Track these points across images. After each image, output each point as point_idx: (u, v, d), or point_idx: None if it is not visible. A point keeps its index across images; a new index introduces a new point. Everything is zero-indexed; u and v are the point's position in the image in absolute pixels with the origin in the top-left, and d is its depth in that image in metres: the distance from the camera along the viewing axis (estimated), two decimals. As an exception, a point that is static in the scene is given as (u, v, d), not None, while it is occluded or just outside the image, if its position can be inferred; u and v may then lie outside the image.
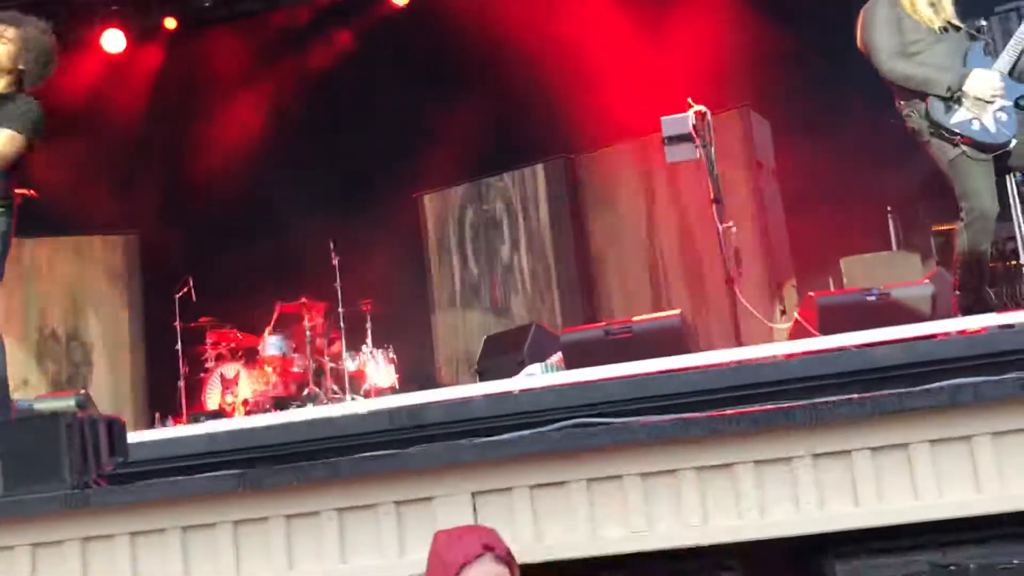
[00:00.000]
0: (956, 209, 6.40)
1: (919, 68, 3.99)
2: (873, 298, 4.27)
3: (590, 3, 9.83)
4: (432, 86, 9.66)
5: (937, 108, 3.92)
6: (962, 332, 3.37)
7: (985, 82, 3.88)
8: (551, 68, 9.55)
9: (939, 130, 3.92)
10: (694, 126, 5.44)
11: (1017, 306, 7.10)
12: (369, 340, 8.57)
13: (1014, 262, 7.83)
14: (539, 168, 9.23)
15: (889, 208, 9.82)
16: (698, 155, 5.44)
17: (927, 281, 4.73)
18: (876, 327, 3.49)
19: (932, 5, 4.12)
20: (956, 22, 4.15)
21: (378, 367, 8.40)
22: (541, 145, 9.32)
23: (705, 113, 5.52)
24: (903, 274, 7.03)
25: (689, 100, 5.56)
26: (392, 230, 9.39)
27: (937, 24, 4.08)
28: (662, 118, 5.60)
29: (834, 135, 8.56)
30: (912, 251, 9.14)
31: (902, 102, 4.11)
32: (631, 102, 8.43)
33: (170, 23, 10.23)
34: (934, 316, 4.35)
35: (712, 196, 5.39)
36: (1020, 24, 5.36)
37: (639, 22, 9.49)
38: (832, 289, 6.62)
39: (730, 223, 5.25)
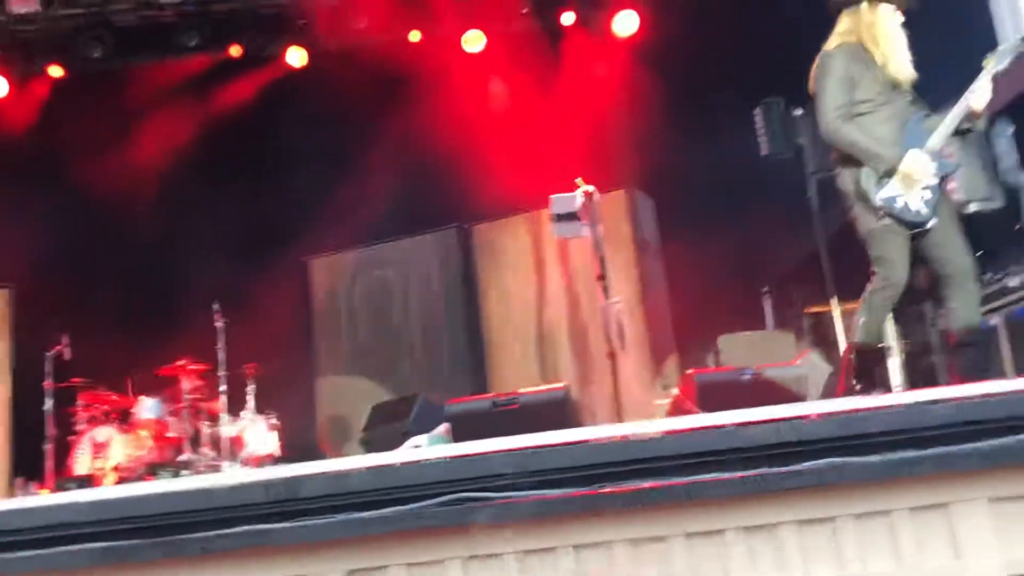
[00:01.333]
0: (826, 293, 6.73)
1: (864, 138, 4.03)
2: (748, 377, 4.42)
3: (489, 78, 10.07)
4: (328, 149, 9.66)
5: (869, 179, 4.01)
6: (832, 413, 3.50)
7: (919, 165, 4.01)
8: (448, 138, 9.68)
9: (866, 199, 4.03)
10: (582, 205, 5.58)
11: (886, 389, 7.46)
12: (250, 405, 8.35)
13: (880, 344, 8.23)
14: (432, 236, 9.28)
15: (765, 289, 10.25)
16: (585, 233, 5.57)
17: (799, 362, 4.92)
18: (751, 405, 3.60)
19: (900, 64, 4.22)
20: (907, 85, 4.26)
21: (258, 434, 8.18)
22: (435, 214, 9.40)
23: (593, 192, 5.67)
24: (777, 353, 7.31)
25: (578, 180, 5.71)
26: (281, 293, 9.24)
27: (897, 84, 4.18)
28: (551, 196, 5.74)
29: (715, 217, 8.92)
30: (786, 331, 9.52)
31: (838, 160, 4.19)
32: (524, 176, 8.61)
33: (55, 71, 9.99)
34: (805, 396, 4.52)
35: (598, 272, 5.51)
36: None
37: (534, 99, 9.76)
38: (711, 366, 6.82)
39: (616, 299, 5.37)
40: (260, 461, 7.97)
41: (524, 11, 10.26)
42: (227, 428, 8.08)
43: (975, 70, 4.44)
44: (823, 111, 4.11)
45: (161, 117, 9.90)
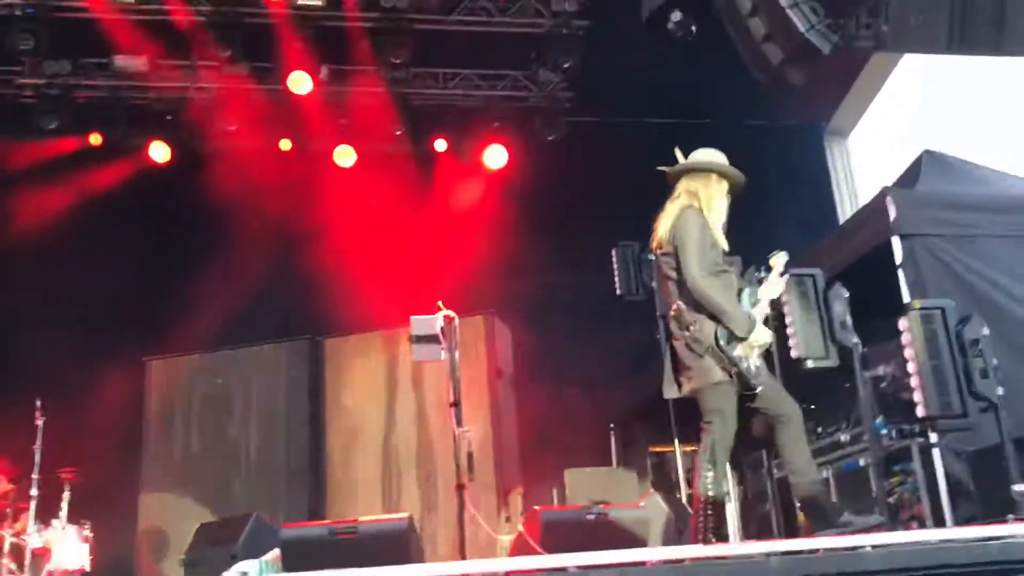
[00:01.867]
0: (669, 433, 6.88)
1: (724, 300, 4.21)
2: (592, 517, 4.41)
3: (357, 194, 10.11)
4: (181, 248, 9.37)
5: (723, 336, 4.16)
6: (671, 561, 3.52)
7: (764, 337, 4.24)
8: (309, 249, 9.60)
9: (720, 354, 4.14)
10: (441, 328, 5.57)
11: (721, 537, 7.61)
12: (63, 514, 7.70)
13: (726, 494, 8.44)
14: (282, 347, 9.00)
15: (611, 426, 10.42)
16: (443, 356, 5.54)
17: (643, 504, 4.97)
18: (594, 546, 3.59)
19: (723, 238, 4.44)
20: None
21: (68, 545, 7.53)
22: (287, 324, 9.17)
23: (453, 317, 5.68)
24: (622, 490, 7.37)
25: (439, 303, 5.71)
26: (113, 394, 8.73)
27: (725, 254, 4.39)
28: (412, 317, 5.70)
29: (569, 350, 9.09)
30: (630, 468, 9.65)
31: (694, 312, 4.26)
32: (383, 294, 8.57)
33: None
34: (646, 539, 4.55)
35: (452, 398, 5.46)
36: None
37: (401, 219, 9.85)
38: (556, 502, 6.80)
39: (466, 428, 5.31)
40: (66, 575, 7.32)
41: (398, 133, 10.44)
42: (34, 538, 7.40)
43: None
44: (689, 264, 4.26)
45: (13, 196, 9.45)
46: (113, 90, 9.92)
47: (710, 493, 4.05)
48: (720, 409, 4.22)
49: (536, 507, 4.76)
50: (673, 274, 4.39)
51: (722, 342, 4.17)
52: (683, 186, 4.59)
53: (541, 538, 4.39)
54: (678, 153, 4.68)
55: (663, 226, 4.53)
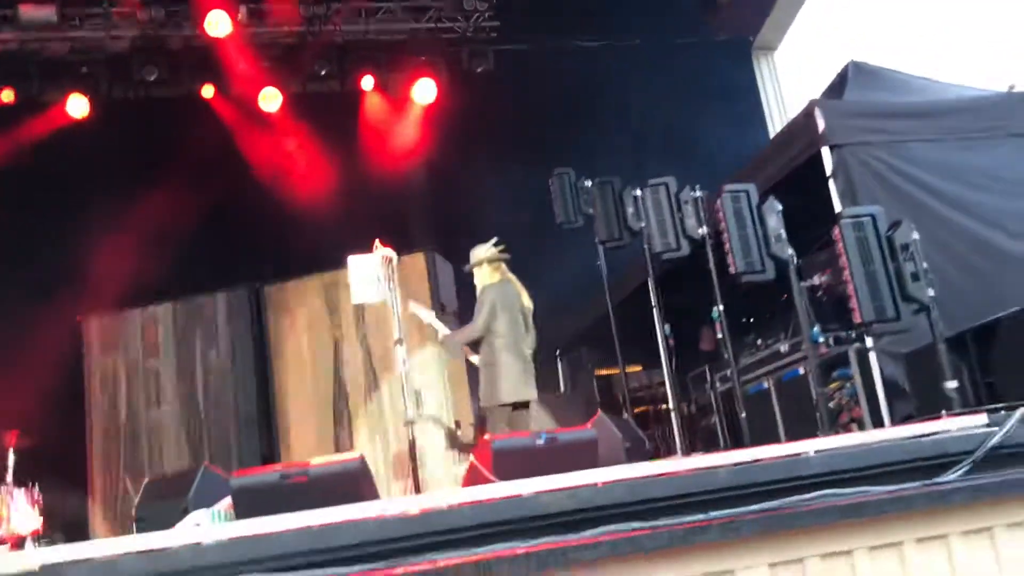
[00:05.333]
0: (614, 357, 6.98)
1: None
2: (542, 442, 4.46)
3: (285, 137, 9.90)
4: (110, 203, 9.10)
5: None
6: (622, 480, 3.58)
7: None
8: (241, 197, 9.40)
9: None
10: (381, 267, 5.52)
11: (669, 451, 7.79)
12: (10, 477, 7.58)
13: (664, 406, 8.64)
14: (221, 296, 8.87)
15: (558, 352, 10.52)
16: (384, 296, 5.50)
17: (590, 426, 5.04)
18: (545, 471, 3.63)
19: None
20: None
21: (18, 509, 7.42)
22: (225, 273, 9.01)
23: (391, 255, 5.63)
24: (571, 414, 7.48)
25: (377, 242, 5.65)
26: (51, 354, 8.53)
27: None
28: (349, 257, 5.63)
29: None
30: (577, 393, 9.79)
31: None
32: (320, 237, 8.45)
33: None
34: (597, 460, 4.62)
35: (396, 337, 5.45)
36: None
37: (332, 159, 9.68)
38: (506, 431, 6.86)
39: (411, 366, 5.31)
40: (20, 541, 7.23)
41: (322, 72, 10.20)
42: (-18, 505, 7.28)
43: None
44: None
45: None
46: (22, 43, 9.51)
47: None
48: None
49: (486, 436, 4.80)
50: None
51: None
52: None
53: (493, 467, 4.43)
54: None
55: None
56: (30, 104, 9.68)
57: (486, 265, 6.25)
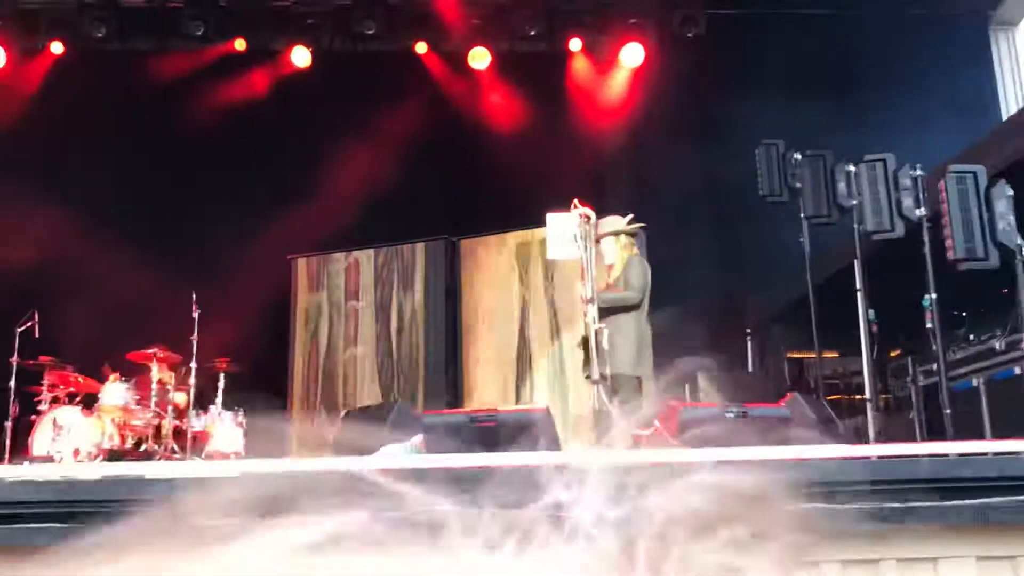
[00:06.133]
0: (810, 339, 6.71)
1: None
2: (732, 415, 4.36)
3: (491, 95, 10.05)
4: (323, 149, 9.56)
5: None
6: (803, 459, 3.45)
7: None
8: (446, 151, 9.66)
9: None
10: (578, 226, 5.52)
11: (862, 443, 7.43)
12: (219, 400, 8.20)
13: (859, 396, 8.24)
14: (419, 245, 9.20)
15: (748, 331, 10.23)
16: (578, 255, 5.50)
17: (783, 405, 4.88)
18: (732, 443, 3.54)
19: None
20: None
21: (225, 430, 8.02)
22: (425, 223, 9.31)
23: (589, 216, 5.62)
24: (756, 394, 7.26)
25: (576, 201, 5.66)
26: (259, 291, 9.11)
27: None
28: (548, 215, 5.67)
29: (707, 252, 8.91)
30: (767, 373, 9.50)
31: None
32: (518, 195, 8.55)
33: (56, 47, 9.92)
34: (788, 439, 4.46)
35: (587, 296, 5.44)
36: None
37: (536, 118, 9.74)
38: (687, 400, 6.76)
39: (602, 324, 5.30)
40: (224, 458, 7.81)
41: (532, 33, 10.26)
42: (193, 422, 7.91)
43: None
44: None
45: (154, 106, 9.79)
46: (253, -4, 10.09)
47: None
48: None
49: (675, 402, 4.74)
50: None
51: None
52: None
53: (678, 435, 4.37)
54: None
55: None
56: (259, 54, 10.27)
57: (624, 237, 6.26)
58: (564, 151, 9.41)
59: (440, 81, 10.31)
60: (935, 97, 8.57)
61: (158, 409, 7.86)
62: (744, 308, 9.70)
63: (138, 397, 7.89)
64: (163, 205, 9.35)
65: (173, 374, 8.18)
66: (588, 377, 5.16)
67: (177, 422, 7.98)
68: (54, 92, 9.76)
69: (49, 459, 7.26)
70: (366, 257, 9.34)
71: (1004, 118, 9.57)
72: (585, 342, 5.31)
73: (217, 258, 8.94)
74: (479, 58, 10.39)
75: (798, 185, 6.53)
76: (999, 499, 2.61)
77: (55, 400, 7.93)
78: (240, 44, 10.21)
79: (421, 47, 10.44)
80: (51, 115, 9.49)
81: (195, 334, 7.87)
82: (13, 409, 7.79)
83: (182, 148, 9.52)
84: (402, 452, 4.18)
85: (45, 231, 8.98)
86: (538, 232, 8.12)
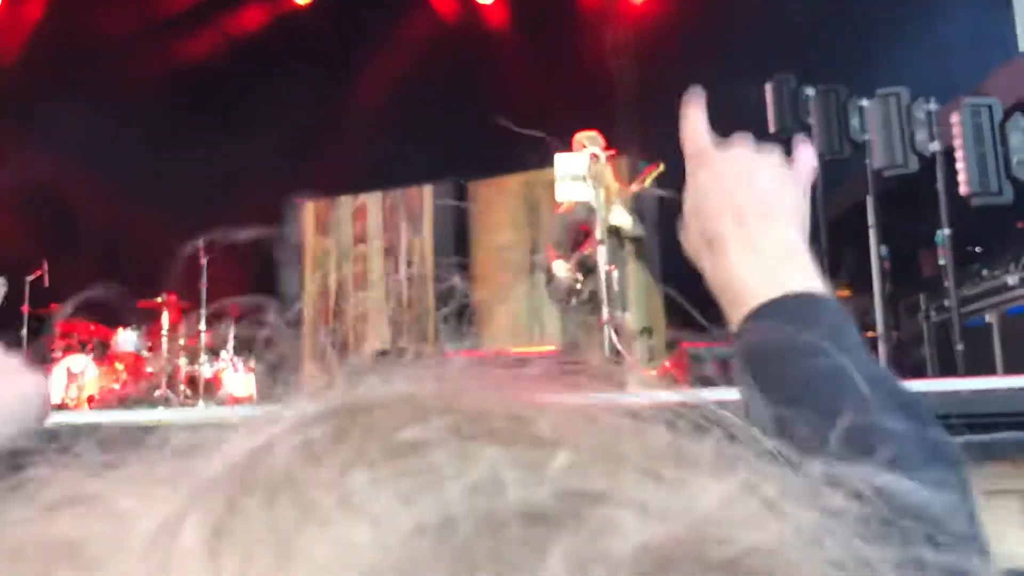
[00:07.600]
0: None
1: None
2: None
3: (497, 31, 9.89)
4: (330, 90, 9.45)
5: None
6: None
7: None
8: (450, 91, 9.53)
9: None
10: (588, 167, 5.47)
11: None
12: (230, 345, 8.23)
13: (871, 333, 8.21)
14: (427, 187, 9.14)
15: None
16: (589, 196, 5.47)
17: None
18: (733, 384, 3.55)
19: None
20: None
21: (236, 375, 8.07)
22: (431, 165, 9.23)
23: (600, 155, 5.56)
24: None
25: (584, 141, 5.59)
26: (271, 234, 9.06)
27: None
28: (556, 155, 5.62)
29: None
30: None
31: None
32: (525, 135, 8.44)
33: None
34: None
35: (599, 237, 5.42)
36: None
37: (543, 57, 9.59)
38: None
39: (612, 265, 5.28)
40: (236, 403, 7.87)
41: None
42: (205, 368, 7.96)
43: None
44: None
45: (157, 48, 9.67)
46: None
47: None
48: None
49: (685, 343, 4.74)
50: None
51: None
52: None
53: (687, 374, 4.38)
54: None
55: None
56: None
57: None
58: (572, 89, 9.27)
59: (446, 18, 10.14)
60: (950, 27, 8.39)
61: (169, 356, 7.90)
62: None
63: (149, 344, 7.94)
64: (164, 147, 9.28)
65: (184, 320, 8.21)
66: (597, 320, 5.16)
67: (189, 368, 8.02)
68: (54, 29, 9.62)
69: (64, 406, 7.33)
70: (373, 199, 9.29)
71: (1021, 50, 9.36)
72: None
73: (224, 202, 8.89)
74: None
75: (810, 121, 6.42)
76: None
77: (67, 349, 7.98)
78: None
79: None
80: (53, 53, 9.36)
81: (204, 280, 7.88)
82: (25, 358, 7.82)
83: (184, 85, 9.42)
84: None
85: (48, 182, 8.95)
86: (545, 173, 8.04)
